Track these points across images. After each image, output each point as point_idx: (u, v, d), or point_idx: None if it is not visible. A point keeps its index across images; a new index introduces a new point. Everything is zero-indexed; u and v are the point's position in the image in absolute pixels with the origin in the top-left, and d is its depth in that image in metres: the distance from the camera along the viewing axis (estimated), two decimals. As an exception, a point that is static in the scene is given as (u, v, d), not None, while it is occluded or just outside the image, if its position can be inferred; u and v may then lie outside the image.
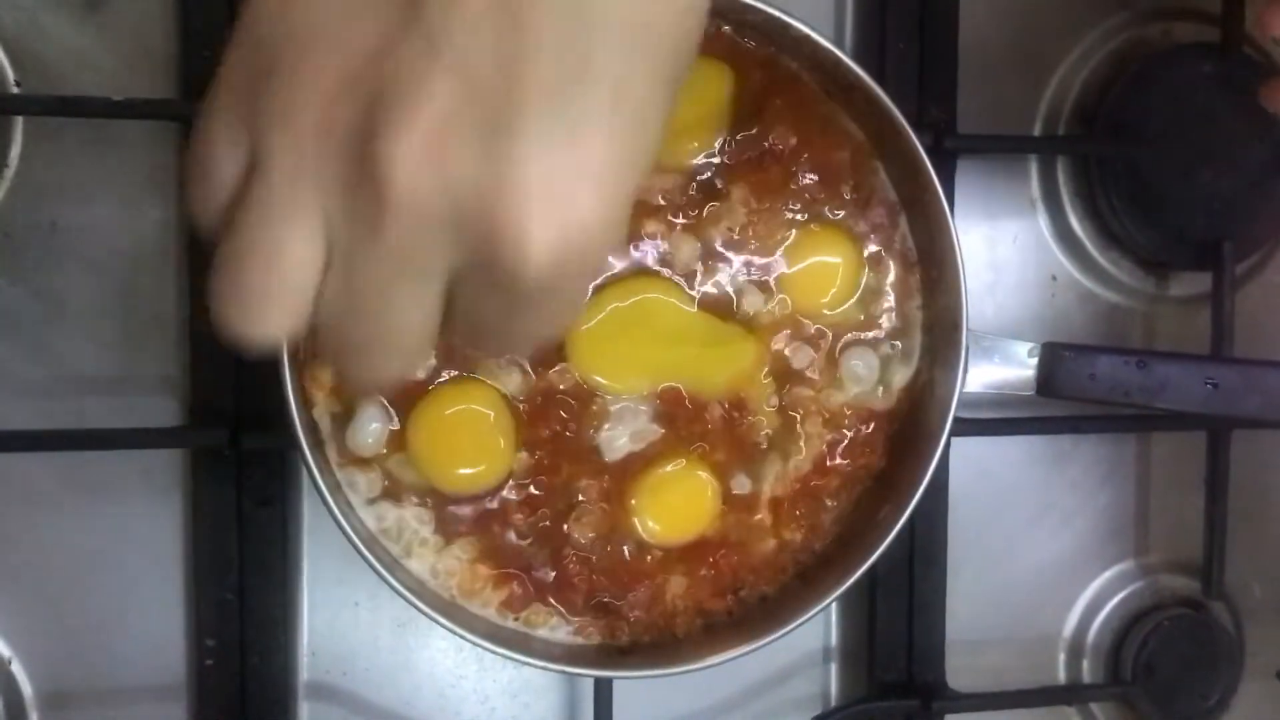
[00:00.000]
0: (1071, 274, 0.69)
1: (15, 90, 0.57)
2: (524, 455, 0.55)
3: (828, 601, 0.55)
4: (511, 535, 0.56)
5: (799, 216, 0.58)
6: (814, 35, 0.53)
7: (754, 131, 0.56)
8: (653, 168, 0.54)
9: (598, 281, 0.55)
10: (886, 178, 0.58)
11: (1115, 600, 0.71)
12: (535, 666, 0.54)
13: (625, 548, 0.57)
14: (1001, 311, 0.68)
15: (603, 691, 0.59)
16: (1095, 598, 0.71)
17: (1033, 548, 0.70)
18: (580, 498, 0.56)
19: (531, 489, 0.56)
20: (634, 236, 0.56)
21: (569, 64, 0.31)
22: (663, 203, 0.56)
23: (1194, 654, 0.69)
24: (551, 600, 0.56)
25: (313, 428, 0.54)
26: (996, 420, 0.64)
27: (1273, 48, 0.68)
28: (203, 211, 0.34)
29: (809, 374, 0.58)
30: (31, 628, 0.59)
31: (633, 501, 0.56)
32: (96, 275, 0.59)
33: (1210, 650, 0.70)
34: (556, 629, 0.57)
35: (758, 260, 0.57)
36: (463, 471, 0.55)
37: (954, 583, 0.65)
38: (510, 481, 0.56)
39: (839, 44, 0.59)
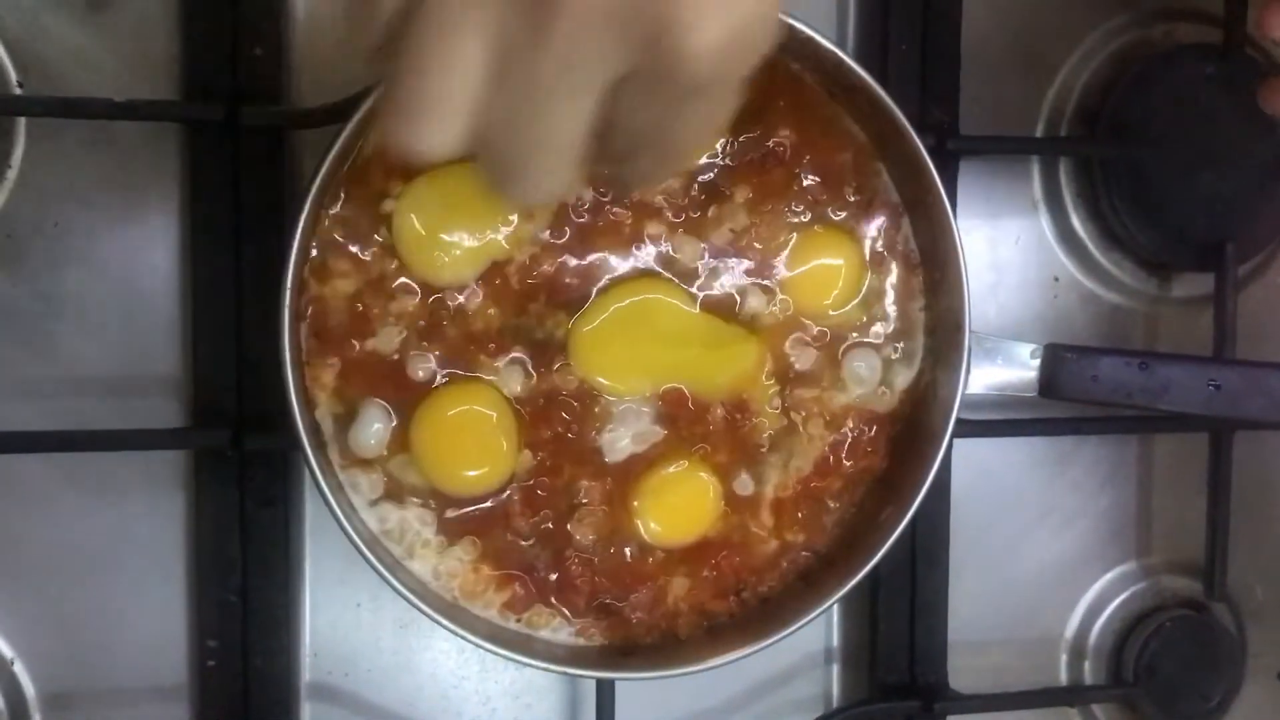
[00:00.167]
0: (1074, 275, 0.69)
1: (18, 91, 0.57)
2: (526, 456, 0.56)
3: (830, 603, 0.55)
4: (514, 537, 0.56)
5: (801, 218, 0.58)
6: (816, 37, 0.53)
7: (756, 133, 0.56)
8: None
9: (601, 283, 0.55)
10: (889, 179, 0.58)
11: (1117, 601, 0.71)
12: (537, 668, 0.54)
13: (627, 549, 0.57)
14: (1003, 313, 0.68)
15: (605, 693, 0.59)
16: (1097, 599, 0.71)
17: (1035, 549, 0.70)
18: (582, 499, 0.56)
19: (534, 490, 0.56)
20: (636, 238, 0.56)
21: None
22: (665, 204, 0.56)
23: (1196, 655, 0.69)
24: (554, 601, 0.56)
25: (315, 429, 0.54)
26: (999, 421, 0.64)
27: (1273, 49, 0.68)
28: (365, 32, 0.34)
29: (811, 375, 0.58)
30: (34, 628, 0.59)
31: (635, 503, 0.56)
32: (99, 276, 0.59)
33: (1212, 651, 0.70)
34: (559, 630, 0.57)
35: (760, 262, 0.57)
36: (465, 473, 0.55)
37: (956, 584, 0.65)
38: (512, 483, 0.56)
39: (841, 45, 0.59)
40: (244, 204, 0.58)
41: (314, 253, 0.54)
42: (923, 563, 0.64)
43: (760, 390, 0.57)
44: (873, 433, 0.59)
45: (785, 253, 0.57)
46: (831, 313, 0.58)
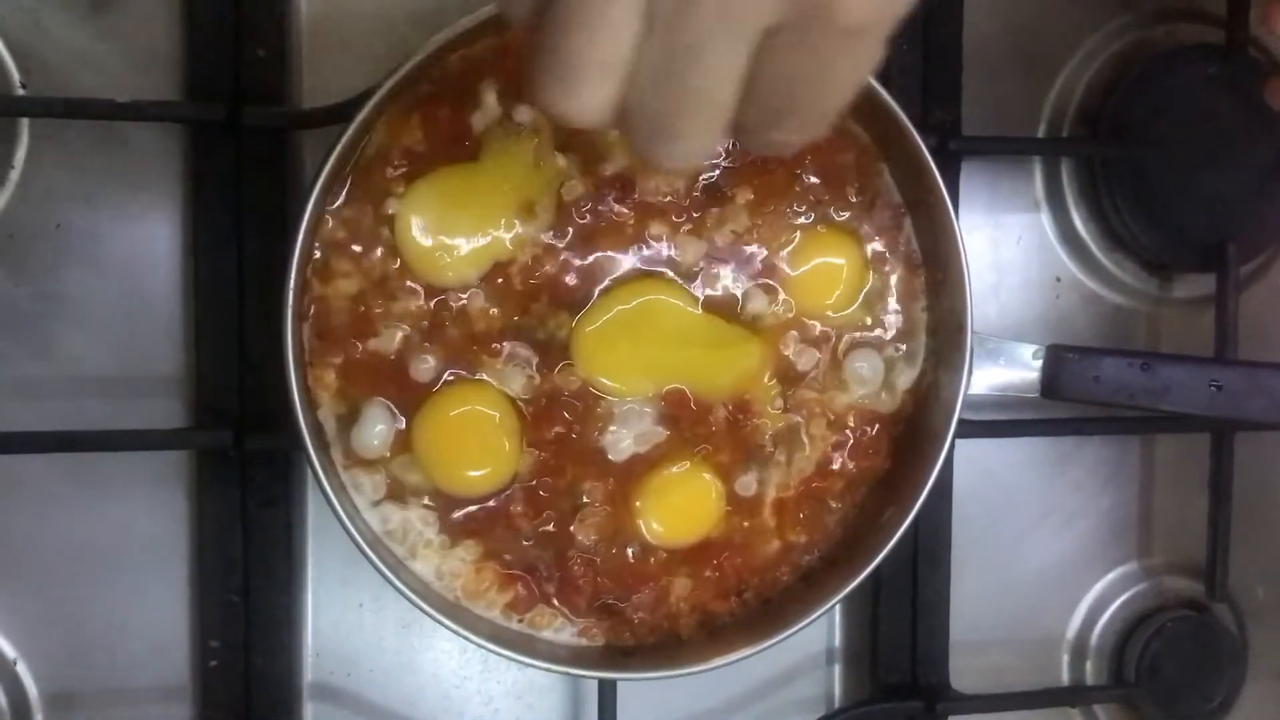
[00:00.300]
0: (1076, 275, 0.69)
1: (21, 92, 0.57)
2: (529, 457, 0.56)
3: (832, 603, 0.55)
4: (516, 537, 0.56)
5: (803, 218, 0.58)
6: (819, 37, 0.53)
7: (759, 133, 0.56)
8: (658, 169, 0.55)
9: (603, 284, 0.55)
10: (891, 179, 0.58)
11: (1119, 602, 0.71)
12: (539, 668, 0.54)
13: (630, 549, 0.57)
14: (1005, 313, 0.68)
15: (607, 693, 0.59)
16: (1099, 599, 0.71)
17: (1036, 549, 0.70)
18: (585, 500, 0.56)
19: (536, 491, 0.56)
20: (639, 238, 0.56)
21: None
22: (668, 205, 0.56)
23: (1197, 655, 0.69)
24: (556, 602, 0.56)
25: (318, 429, 0.54)
26: (1001, 422, 0.64)
27: (1276, 46, 0.68)
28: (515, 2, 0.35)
29: (813, 376, 0.58)
30: (37, 628, 0.59)
31: (637, 503, 0.56)
32: (102, 276, 0.59)
33: (1213, 652, 0.70)
34: (561, 631, 0.57)
35: (762, 262, 0.57)
36: (468, 473, 0.55)
37: (958, 584, 0.65)
38: (515, 483, 0.56)
39: (843, 46, 0.59)
40: (246, 204, 0.58)
41: (317, 253, 0.54)
42: (924, 563, 0.64)
43: (762, 391, 0.57)
44: (874, 433, 0.59)
45: (787, 253, 0.57)
46: (833, 313, 0.58)
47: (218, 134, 0.57)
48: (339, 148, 0.50)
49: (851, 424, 0.58)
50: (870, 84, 0.53)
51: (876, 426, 0.59)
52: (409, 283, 0.54)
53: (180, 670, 0.60)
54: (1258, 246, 0.69)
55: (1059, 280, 0.69)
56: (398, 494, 0.55)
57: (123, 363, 0.59)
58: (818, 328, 0.58)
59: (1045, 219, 0.69)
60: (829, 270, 0.58)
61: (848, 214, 0.58)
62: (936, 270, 0.58)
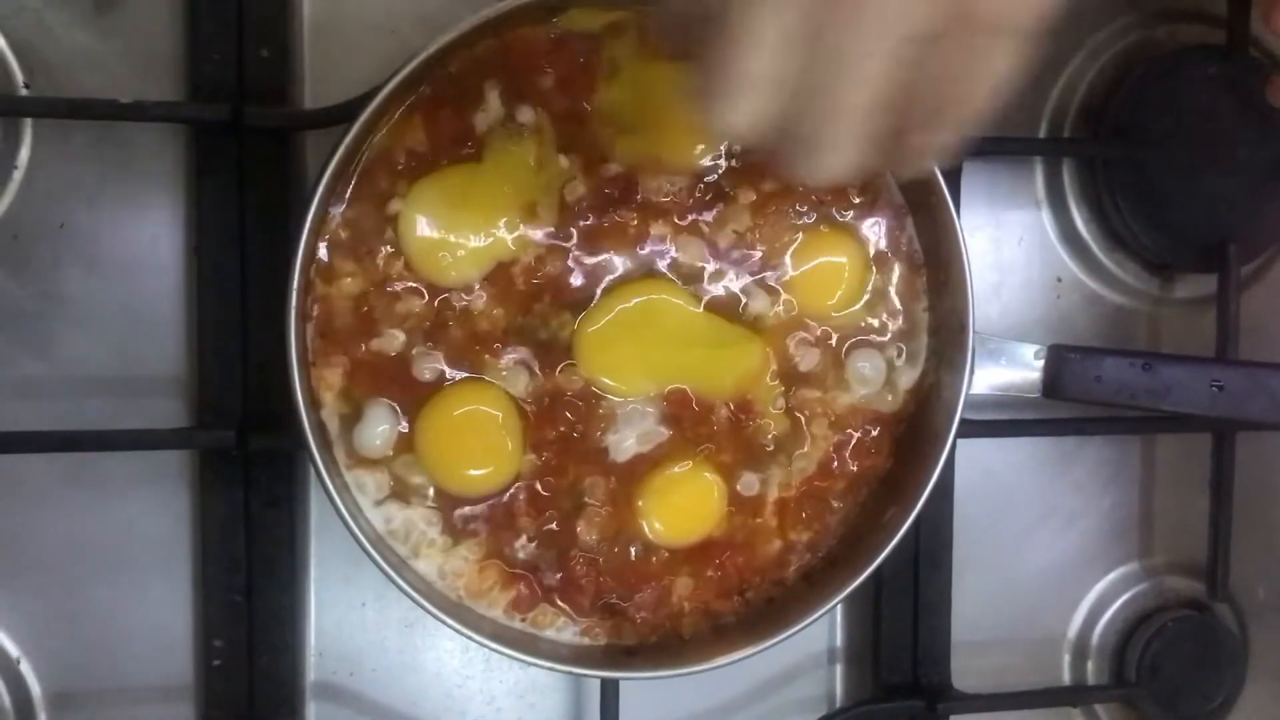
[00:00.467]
0: (1077, 275, 0.70)
1: (24, 93, 0.57)
2: (531, 457, 0.56)
3: (834, 603, 0.55)
4: (519, 536, 0.56)
5: (805, 218, 0.58)
6: (821, 38, 0.53)
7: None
8: (659, 170, 0.55)
9: (606, 284, 0.56)
10: (892, 179, 0.58)
11: (1120, 602, 0.71)
12: (542, 667, 0.54)
13: (632, 549, 0.57)
14: (1007, 313, 0.68)
15: (609, 692, 0.59)
16: (1100, 599, 0.71)
17: (1037, 549, 0.70)
18: (587, 499, 0.56)
19: (539, 490, 0.56)
20: (641, 238, 0.56)
21: None
22: (670, 205, 0.56)
23: (1198, 655, 0.69)
24: (558, 601, 0.57)
25: (321, 429, 0.54)
26: (1002, 422, 0.64)
27: (1277, 45, 0.68)
28: (670, 27, 0.38)
29: (815, 376, 0.58)
30: (40, 628, 0.59)
31: (640, 503, 0.56)
32: (105, 276, 0.59)
33: (1215, 652, 0.70)
34: (563, 630, 0.57)
35: (764, 262, 0.57)
36: (470, 473, 0.55)
37: (959, 584, 0.66)
38: (518, 483, 0.56)
39: (845, 46, 0.59)
40: (249, 204, 0.58)
41: (320, 253, 0.54)
42: (926, 563, 0.64)
43: (764, 391, 0.57)
44: (876, 433, 0.59)
45: (789, 253, 0.57)
46: (835, 313, 0.58)
47: (221, 134, 0.57)
48: (342, 148, 0.51)
49: (853, 424, 0.59)
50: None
51: (878, 426, 0.59)
52: (412, 283, 0.54)
53: (183, 670, 0.60)
54: (1259, 246, 0.69)
55: (1060, 280, 0.69)
56: (400, 493, 0.55)
57: (125, 363, 0.59)
58: (819, 328, 0.58)
59: (1047, 219, 0.69)
60: (831, 270, 0.58)
61: (849, 214, 0.58)
62: (938, 270, 0.58)
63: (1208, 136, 0.66)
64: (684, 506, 0.57)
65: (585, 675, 0.61)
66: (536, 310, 0.55)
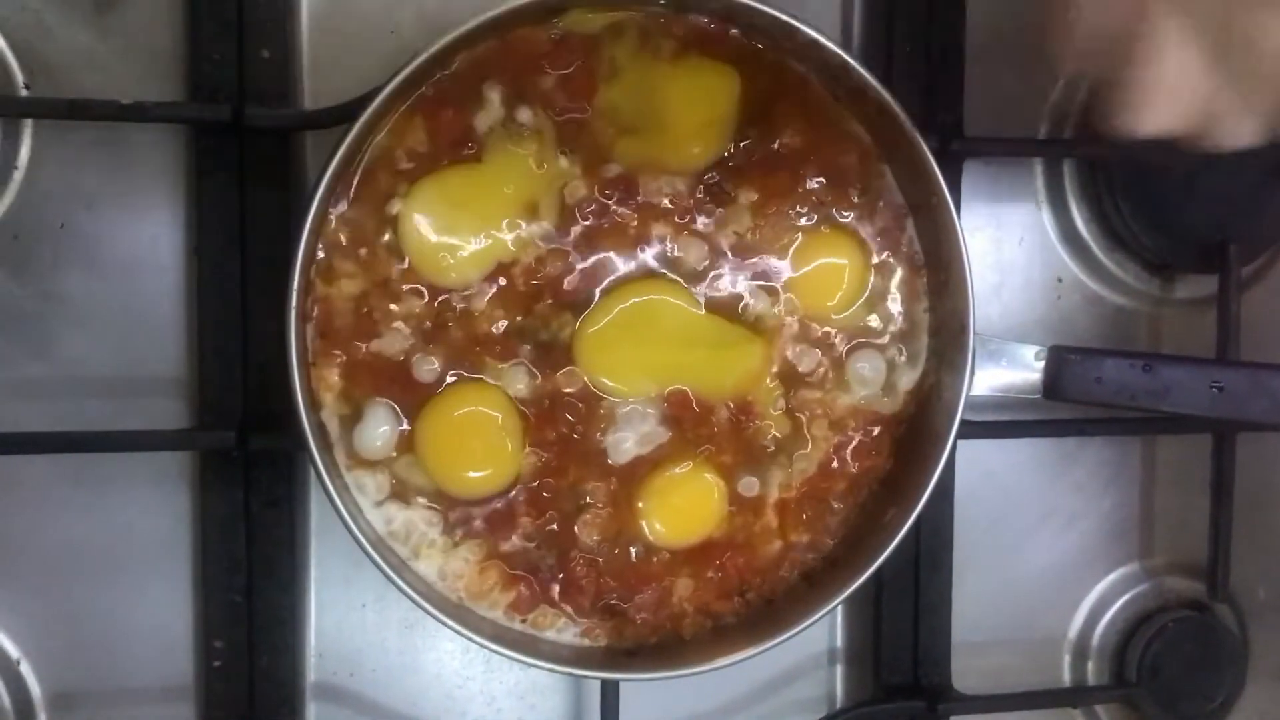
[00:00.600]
0: (1077, 276, 0.69)
1: (24, 93, 0.57)
2: (531, 458, 0.56)
3: (834, 604, 0.55)
4: (519, 538, 0.56)
5: (806, 220, 0.58)
6: (821, 39, 0.53)
7: (762, 135, 0.56)
8: (660, 171, 0.55)
9: (606, 285, 0.55)
10: (893, 181, 0.58)
11: (1120, 602, 0.71)
12: (542, 668, 0.54)
13: (632, 550, 0.57)
14: (1007, 314, 0.68)
15: (609, 693, 0.59)
16: (1100, 600, 0.71)
17: (1038, 550, 0.70)
18: (588, 500, 0.56)
19: (539, 492, 0.56)
20: (641, 239, 0.56)
21: None
22: (671, 206, 0.56)
23: (1199, 656, 0.69)
24: (559, 602, 0.57)
25: (321, 430, 0.54)
26: (1002, 423, 0.64)
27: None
28: (1074, 56, 0.48)
29: (816, 377, 0.58)
30: (40, 628, 0.59)
31: (640, 504, 0.56)
32: (105, 277, 0.59)
33: (1215, 652, 0.70)
34: (563, 631, 0.57)
35: (765, 263, 0.57)
36: (470, 474, 0.55)
37: (959, 585, 0.66)
38: (518, 484, 0.56)
39: (846, 48, 0.59)
40: (249, 205, 0.58)
41: (320, 254, 0.54)
42: (926, 563, 0.64)
43: (765, 392, 0.57)
44: (877, 434, 0.59)
45: (790, 254, 0.57)
46: (836, 314, 0.58)
47: (221, 135, 0.57)
48: (342, 148, 0.50)
49: (854, 425, 0.58)
50: (873, 85, 0.54)
51: (879, 427, 0.59)
52: (412, 283, 0.54)
53: (183, 670, 0.60)
54: (1259, 246, 0.69)
55: (1061, 281, 0.69)
56: (401, 494, 0.55)
57: (126, 363, 0.59)
58: (820, 329, 0.58)
59: (1047, 219, 0.69)
60: (831, 271, 0.58)
61: (850, 215, 0.58)
62: (939, 271, 0.58)
63: (1208, 137, 0.66)
64: (684, 507, 0.57)
65: (585, 676, 0.61)
66: (537, 311, 0.55)
